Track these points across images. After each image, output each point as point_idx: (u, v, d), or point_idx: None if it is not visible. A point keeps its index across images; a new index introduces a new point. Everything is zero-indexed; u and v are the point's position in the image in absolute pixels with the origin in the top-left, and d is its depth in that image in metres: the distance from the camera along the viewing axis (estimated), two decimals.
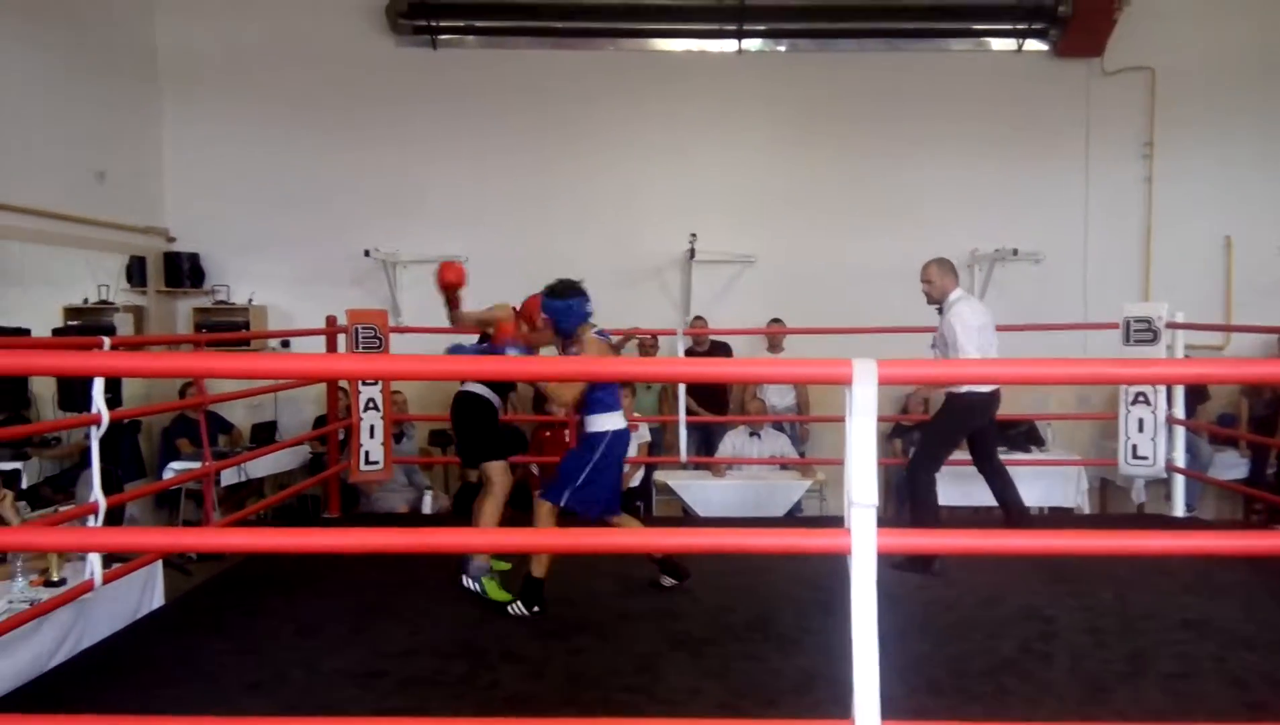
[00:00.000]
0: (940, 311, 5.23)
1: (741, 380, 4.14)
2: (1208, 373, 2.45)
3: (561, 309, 4.47)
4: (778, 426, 7.60)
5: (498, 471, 4.90)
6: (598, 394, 4.53)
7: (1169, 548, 2.62)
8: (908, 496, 5.55)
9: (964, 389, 5.13)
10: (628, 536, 2.91)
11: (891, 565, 4.85)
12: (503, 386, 5.16)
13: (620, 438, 4.58)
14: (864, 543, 1.92)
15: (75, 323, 7.82)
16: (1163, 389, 6.27)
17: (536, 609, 4.50)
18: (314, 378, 5.99)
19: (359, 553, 4.98)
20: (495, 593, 4.62)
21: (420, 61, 8.64)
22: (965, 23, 8.58)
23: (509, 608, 4.52)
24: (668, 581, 4.84)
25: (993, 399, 5.27)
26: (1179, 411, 6.49)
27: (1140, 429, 6.33)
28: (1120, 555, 4.98)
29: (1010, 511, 5.43)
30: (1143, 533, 2.15)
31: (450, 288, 4.90)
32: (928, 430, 5.68)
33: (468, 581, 4.67)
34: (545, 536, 3.53)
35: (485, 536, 3.03)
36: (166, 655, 4.05)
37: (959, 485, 7.01)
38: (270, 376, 5.40)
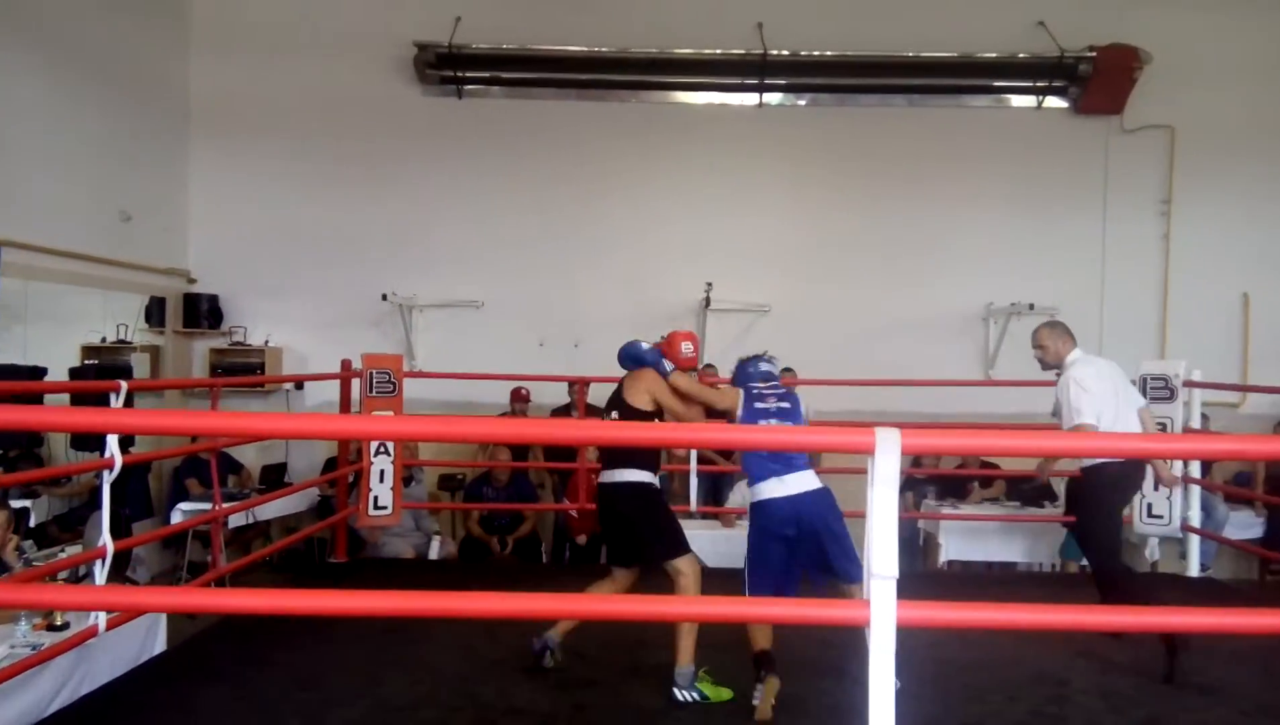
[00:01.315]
0: (1057, 375, 4.92)
1: (758, 447, 4.01)
2: (1245, 449, 2.41)
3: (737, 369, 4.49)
4: None
5: (686, 564, 4.23)
6: (744, 458, 4.24)
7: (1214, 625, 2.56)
8: (1104, 590, 4.79)
9: (1098, 460, 4.62)
10: (626, 604, 2.86)
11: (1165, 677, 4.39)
12: (655, 459, 4.40)
13: (763, 509, 4.10)
14: (883, 615, 1.88)
15: (92, 362, 7.84)
16: None
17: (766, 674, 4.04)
18: (320, 437, 5.99)
19: (365, 614, 4.93)
20: (717, 694, 4.12)
21: (445, 111, 8.71)
22: (986, 80, 8.62)
23: (755, 697, 3.98)
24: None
25: (1132, 469, 4.76)
26: (1195, 470, 6.44)
27: (1155, 488, 6.25)
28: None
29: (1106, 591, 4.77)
30: (1188, 610, 2.10)
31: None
32: (1080, 518, 5.02)
33: (681, 694, 4.07)
34: (557, 602, 3.05)
35: (493, 602, 2.67)
36: (167, 703, 4.01)
37: (970, 540, 6.95)
38: (275, 437, 5.31)
